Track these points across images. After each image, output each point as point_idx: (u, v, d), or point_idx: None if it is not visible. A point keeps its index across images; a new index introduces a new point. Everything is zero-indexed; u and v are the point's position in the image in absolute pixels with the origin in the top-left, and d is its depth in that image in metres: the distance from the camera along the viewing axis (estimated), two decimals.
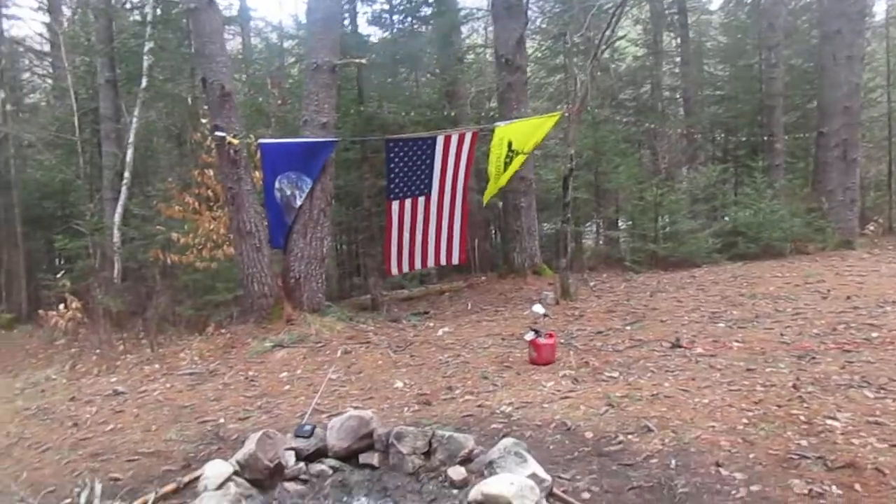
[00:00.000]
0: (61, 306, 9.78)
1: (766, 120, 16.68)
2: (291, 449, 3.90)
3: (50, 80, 20.07)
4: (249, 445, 3.59)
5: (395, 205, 8.96)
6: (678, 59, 21.00)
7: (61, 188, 15.51)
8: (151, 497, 3.79)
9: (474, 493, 3.00)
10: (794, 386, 5.13)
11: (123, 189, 12.61)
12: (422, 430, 3.94)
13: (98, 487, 3.76)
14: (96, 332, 9.87)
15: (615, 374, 5.99)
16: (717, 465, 3.88)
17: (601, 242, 16.45)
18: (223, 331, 8.94)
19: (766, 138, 16.46)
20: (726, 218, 15.20)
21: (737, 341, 6.72)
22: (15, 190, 14.76)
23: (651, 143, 18.48)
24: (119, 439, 5.34)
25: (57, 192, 15.74)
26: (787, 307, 8.12)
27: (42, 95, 21.89)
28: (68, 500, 4.12)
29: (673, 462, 3.98)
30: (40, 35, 19.86)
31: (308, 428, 4.07)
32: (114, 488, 4.20)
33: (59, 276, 10.77)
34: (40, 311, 10.53)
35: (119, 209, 12.53)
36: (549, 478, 3.33)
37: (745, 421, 4.54)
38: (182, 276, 11.33)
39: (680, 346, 6.66)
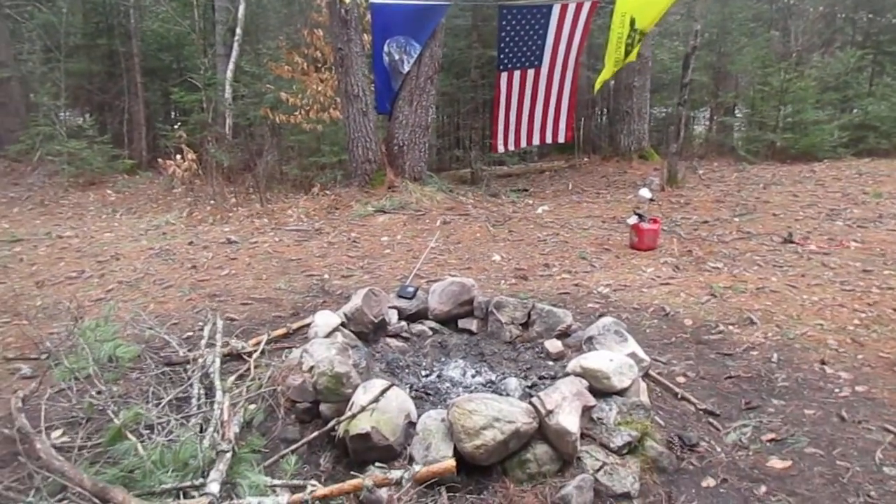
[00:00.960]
0: (178, 157, 10.24)
1: None
2: (394, 308, 4.05)
3: None
4: (356, 300, 3.76)
5: (504, 76, 8.68)
6: None
7: (177, 41, 15.87)
8: (265, 338, 4.06)
9: (573, 365, 3.05)
10: None
11: (235, 45, 12.75)
12: (521, 301, 4.00)
13: (220, 324, 4.07)
14: (210, 183, 10.36)
15: (719, 265, 5.84)
16: (822, 362, 3.79)
17: (714, 130, 15.56)
18: (328, 192, 9.21)
19: None
20: (856, 110, 14.00)
21: (855, 241, 6.37)
22: (134, 40, 15.16)
23: (784, 22, 16.90)
24: (233, 283, 5.71)
25: (173, 45, 16.12)
26: None
27: None
28: (190, 333, 4.49)
29: (775, 356, 3.91)
30: None
31: (411, 289, 4.21)
32: (230, 327, 4.53)
33: (175, 127, 11.20)
34: (159, 160, 11.07)
35: (231, 65, 12.73)
36: (647, 358, 3.34)
37: (856, 322, 4.37)
38: (289, 136, 11.60)
39: (792, 242, 6.38)
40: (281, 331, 4.35)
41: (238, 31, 12.86)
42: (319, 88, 10.67)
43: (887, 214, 7.37)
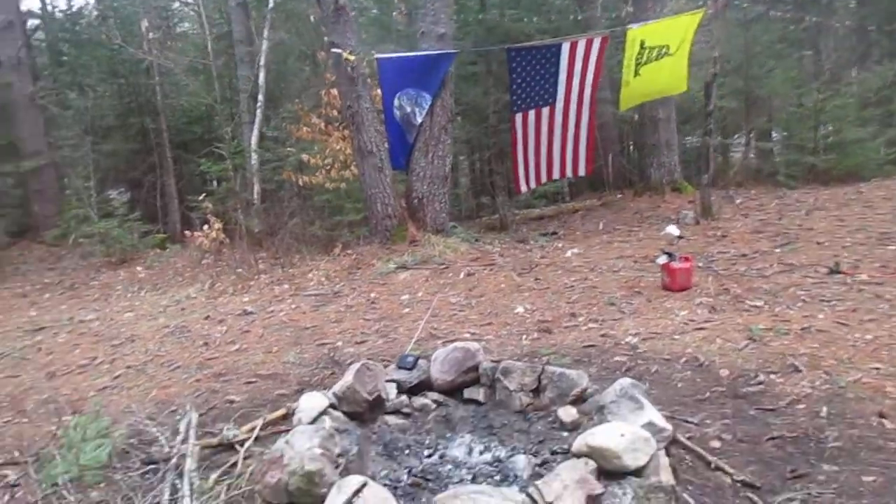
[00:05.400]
0: (205, 227, 10.23)
1: None
2: (393, 381, 3.72)
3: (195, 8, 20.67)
4: (347, 377, 3.44)
5: (519, 118, 8.46)
6: None
7: (206, 113, 16.17)
8: (259, 423, 3.77)
9: (578, 444, 2.66)
10: None
11: (258, 112, 12.85)
12: (530, 366, 3.62)
13: (195, 417, 3.79)
14: (236, 252, 10.27)
15: (759, 304, 5.35)
16: (881, 415, 3.29)
17: (751, 156, 14.98)
18: (349, 251, 9.00)
19: None
20: None
21: None
22: (163, 116, 15.48)
23: (813, 41, 16.38)
24: (242, 360, 5.47)
25: (202, 117, 16.45)
26: None
27: (190, 24, 22.71)
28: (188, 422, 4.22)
29: (824, 409, 3.43)
30: None
31: (410, 359, 3.88)
32: (228, 411, 4.26)
33: (201, 198, 11.24)
34: (187, 232, 11.09)
35: (255, 132, 12.82)
36: (668, 427, 2.91)
37: None
38: (314, 196, 11.51)
39: (839, 272, 5.84)
40: (279, 412, 4.01)
41: (260, 97, 12.98)
42: (339, 147, 10.59)
43: None
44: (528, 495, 2.34)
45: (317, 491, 2.55)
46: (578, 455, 2.62)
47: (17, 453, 3.95)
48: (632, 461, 2.54)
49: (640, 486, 2.50)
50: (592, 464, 2.54)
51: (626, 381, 3.16)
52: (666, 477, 2.62)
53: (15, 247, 13.54)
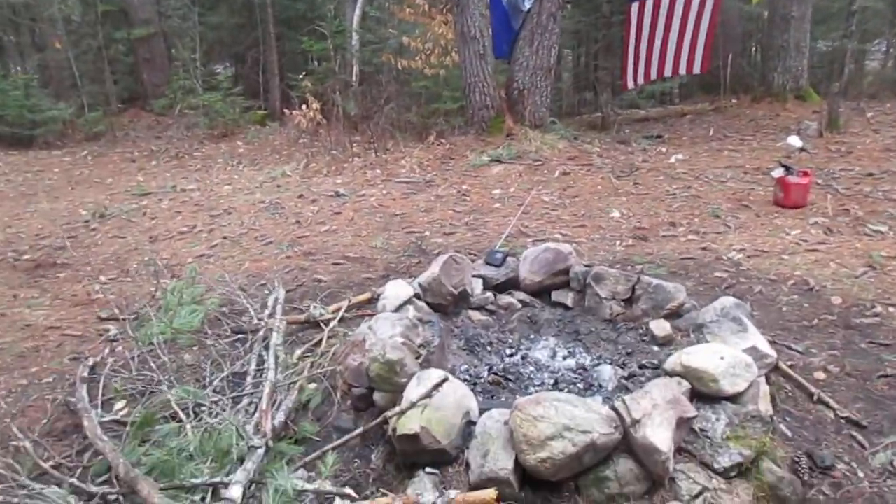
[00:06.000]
0: (303, 106, 10.23)
1: None
2: (479, 276, 3.63)
3: None
4: (434, 268, 3.37)
5: (635, 7, 7.86)
6: None
7: None
8: (345, 304, 3.79)
9: (672, 362, 2.51)
10: None
11: None
12: (624, 274, 3.44)
13: (282, 294, 3.85)
14: (332, 133, 10.28)
15: (883, 229, 4.91)
16: None
17: (889, 64, 13.53)
18: (443, 141, 8.83)
19: None
20: None
21: None
22: None
23: None
24: (331, 241, 5.51)
25: None
26: None
27: None
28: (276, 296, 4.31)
29: None
30: None
31: (499, 256, 3.76)
32: (315, 289, 4.32)
33: (301, 76, 11.20)
34: (286, 110, 11.16)
35: (357, 11, 12.52)
36: (773, 354, 2.71)
37: None
38: (412, 82, 11.28)
39: None
40: (364, 296, 4.03)
41: None
42: (441, 31, 10.21)
43: None
44: (614, 409, 2.24)
45: (397, 380, 2.53)
46: (671, 374, 2.48)
47: (117, 310, 4.16)
48: (729, 386, 2.38)
49: (736, 414, 2.35)
50: (686, 384, 2.39)
51: (728, 301, 2.95)
52: (764, 406, 2.46)
53: (125, 113, 14.06)
